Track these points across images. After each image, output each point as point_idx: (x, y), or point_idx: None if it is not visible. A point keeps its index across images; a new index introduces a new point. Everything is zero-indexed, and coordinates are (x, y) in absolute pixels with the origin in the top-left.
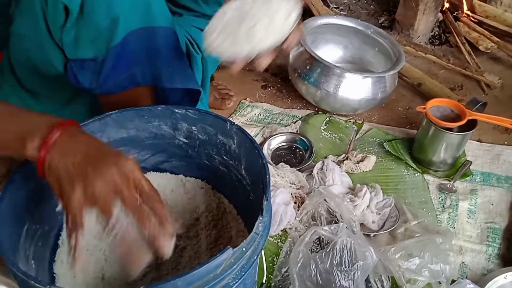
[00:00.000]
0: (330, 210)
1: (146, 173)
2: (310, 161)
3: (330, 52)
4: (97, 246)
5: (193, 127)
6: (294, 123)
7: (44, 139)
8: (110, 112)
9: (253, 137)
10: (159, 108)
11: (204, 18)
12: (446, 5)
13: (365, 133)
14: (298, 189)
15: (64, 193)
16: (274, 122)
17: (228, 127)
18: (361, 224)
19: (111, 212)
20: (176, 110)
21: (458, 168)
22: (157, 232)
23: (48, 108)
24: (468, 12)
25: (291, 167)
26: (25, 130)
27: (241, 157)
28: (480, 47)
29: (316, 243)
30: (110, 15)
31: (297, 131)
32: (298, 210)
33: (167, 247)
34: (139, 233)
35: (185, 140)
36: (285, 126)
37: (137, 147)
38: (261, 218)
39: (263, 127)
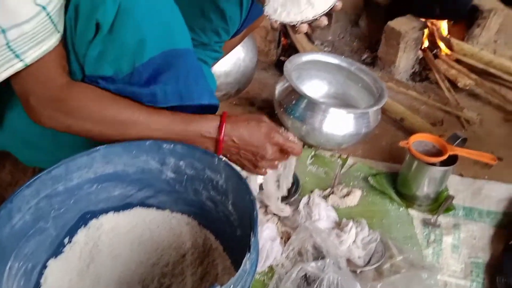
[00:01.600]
0: (316, 245)
1: (132, 208)
2: (297, 195)
3: (315, 87)
4: (78, 283)
5: (181, 162)
6: None
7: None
8: (98, 147)
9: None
10: (147, 143)
11: (201, 48)
12: (426, 43)
13: (350, 167)
14: (284, 224)
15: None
16: None
17: (216, 162)
18: (347, 260)
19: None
20: (164, 145)
21: (440, 203)
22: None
23: (49, 131)
24: (447, 51)
25: None
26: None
27: (229, 193)
28: (459, 84)
29: (302, 279)
30: (138, 36)
31: None
32: (284, 246)
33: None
34: None
35: (172, 175)
36: None
37: (124, 182)
38: (248, 254)
39: None
